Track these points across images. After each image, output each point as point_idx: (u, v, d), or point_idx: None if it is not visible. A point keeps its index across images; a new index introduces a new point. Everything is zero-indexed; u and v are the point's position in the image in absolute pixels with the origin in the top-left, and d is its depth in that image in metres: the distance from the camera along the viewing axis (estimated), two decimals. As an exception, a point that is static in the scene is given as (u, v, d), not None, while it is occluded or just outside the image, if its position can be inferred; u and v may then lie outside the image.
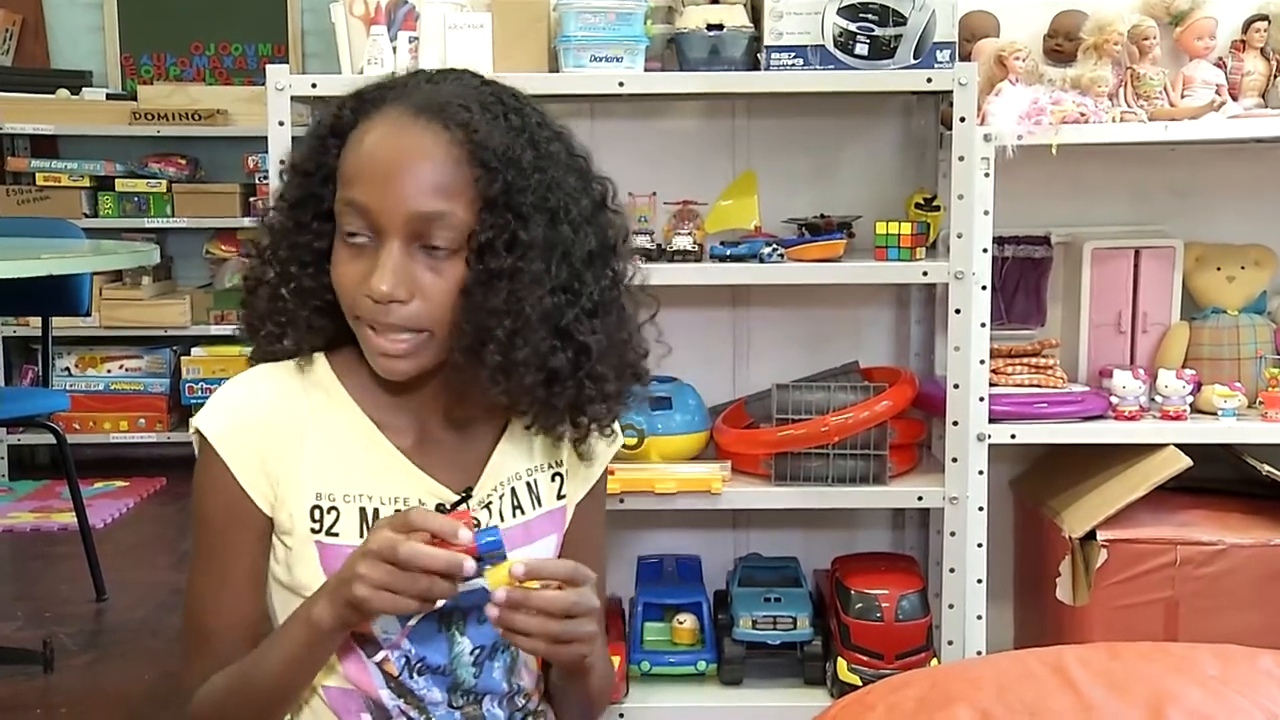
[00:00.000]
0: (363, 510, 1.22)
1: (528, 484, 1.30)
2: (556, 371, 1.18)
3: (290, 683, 1.19)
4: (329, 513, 1.21)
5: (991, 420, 2.24)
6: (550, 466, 1.33)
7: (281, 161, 1.26)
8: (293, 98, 2.10)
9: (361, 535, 1.21)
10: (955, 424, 2.17)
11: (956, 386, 2.16)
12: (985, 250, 2.20)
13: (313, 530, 1.21)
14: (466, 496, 1.25)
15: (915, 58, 2.13)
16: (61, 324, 4.01)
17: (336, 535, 1.21)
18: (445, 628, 1.24)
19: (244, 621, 1.23)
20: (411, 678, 1.23)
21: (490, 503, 1.27)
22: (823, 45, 2.14)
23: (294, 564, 1.21)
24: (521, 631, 1.10)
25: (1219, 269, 2.42)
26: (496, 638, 1.26)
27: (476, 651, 1.26)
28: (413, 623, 1.21)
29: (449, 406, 1.25)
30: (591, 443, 1.30)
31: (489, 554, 1.08)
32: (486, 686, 1.27)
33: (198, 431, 1.21)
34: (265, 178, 4.38)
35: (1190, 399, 2.30)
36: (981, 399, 2.23)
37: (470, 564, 1.07)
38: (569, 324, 1.18)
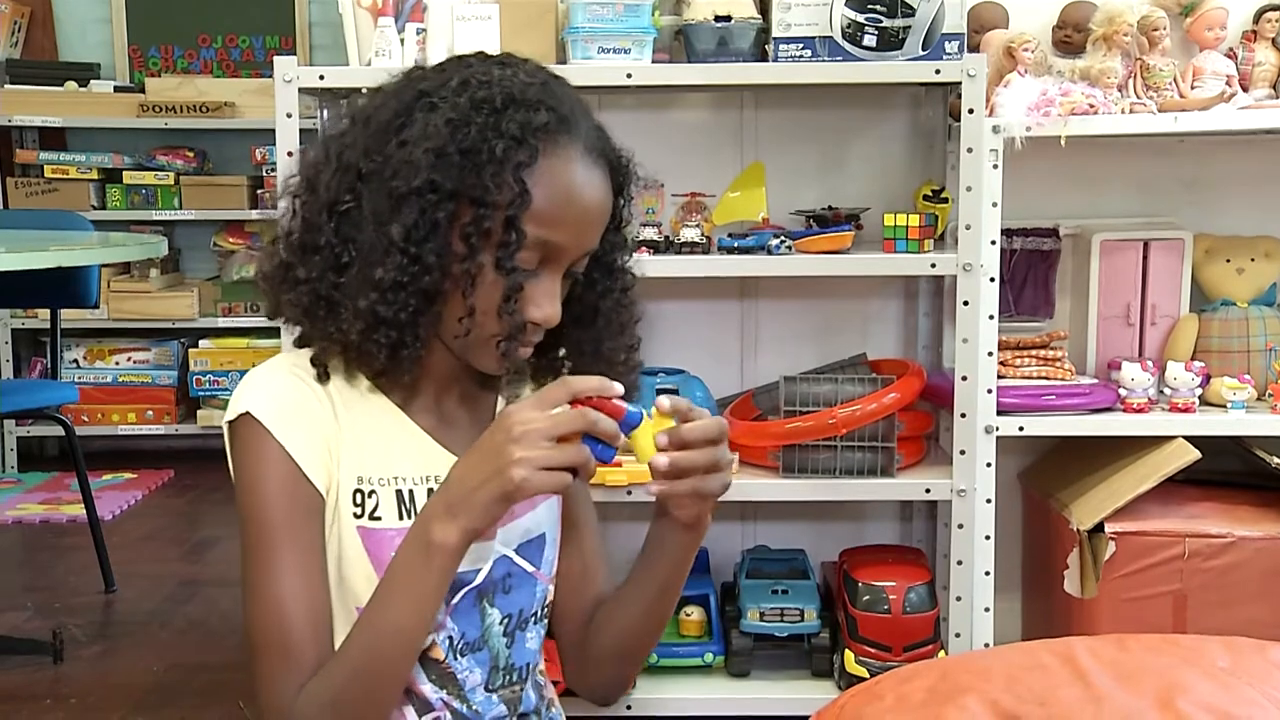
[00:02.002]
0: (399, 493, 1.22)
1: None
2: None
3: (422, 628, 1.14)
4: (369, 496, 1.20)
5: (999, 412, 2.24)
6: None
7: (420, 182, 1.13)
8: (300, 90, 2.11)
9: (401, 518, 1.21)
10: (963, 416, 2.17)
11: (965, 379, 2.16)
12: (993, 242, 2.19)
13: (355, 515, 1.20)
14: None
15: (924, 49, 2.13)
16: (70, 316, 4.01)
17: (379, 520, 1.20)
18: (478, 602, 1.25)
19: (327, 619, 1.18)
20: (456, 659, 1.24)
21: None
22: (831, 36, 2.13)
23: (342, 558, 1.19)
24: (679, 473, 1.13)
25: (1228, 261, 2.41)
26: (523, 607, 1.28)
27: (505, 621, 1.27)
28: (455, 600, 1.22)
29: (459, 381, 1.27)
30: None
31: (631, 424, 1.12)
32: (521, 658, 1.28)
33: (245, 416, 1.17)
34: (273, 170, 4.38)
35: (1199, 391, 2.29)
36: (989, 391, 2.23)
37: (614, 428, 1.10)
38: None
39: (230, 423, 1.19)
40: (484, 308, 1.16)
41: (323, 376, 1.21)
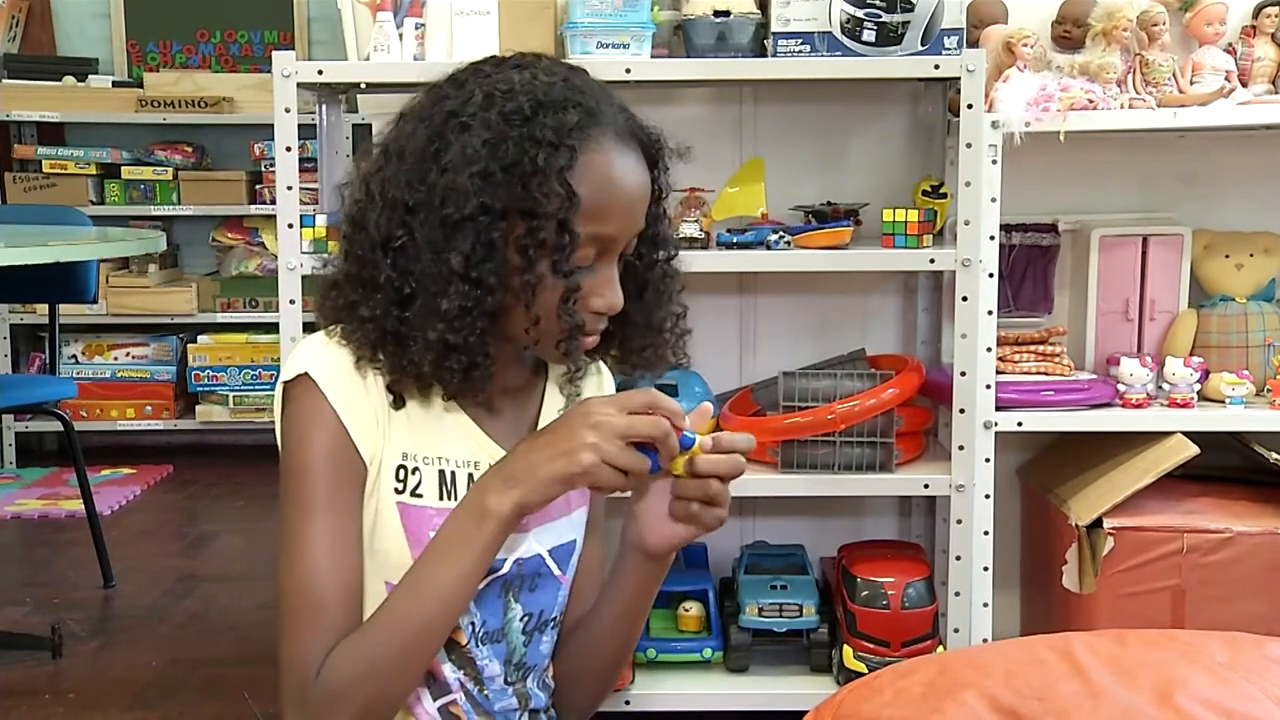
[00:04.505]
0: (442, 473, 1.23)
1: None
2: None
3: (465, 594, 1.15)
4: (413, 473, 1.21)
5: (998, 408, 2.24)
6: None
7: (478, 205, 1.14)
8: (299, 85, 2.10)
9: (442, 497, 1.22)
10: (962, 412, 2.17)
11: (963, 374, 2.16)
12: (992, 238, 2.19)
13: (397, 491, 1.21)
14: None
15: (923, 44, 2.12)
16: (68, 311, 4.01)
17: (421, 496, 1.22)
18: (503, 593, 1.26)
19: (358, 585, 1.18)
20: (477, 646, 1.25)
21: None
22: (830, 31, 2.13)
23: (377, 530, 1.20)
24: (702, 485, 1.18)
25: (1227, 256, 2.41)
26: (544, 608, 1.29)
27: (526, 619, 1.28)
28: (481, 586, 1.22)
29: (505, 374, 1.27)
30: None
31: (684, 448, 1.15)
32: (534, 659, 1.30)
33: (303, 377, 1.18)
34: (271, 165, 4.38)
35: (1198, 387, 2.29)
36: (988, 387, 2.23)
37: (674, 442, 1.13)
38: None
39: (286, 382, 1.20)
40: (547, 312, 1.17)
41: (398, 402, 1.21)
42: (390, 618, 1.15)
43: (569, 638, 1.35)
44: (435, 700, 1.24)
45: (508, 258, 1.15)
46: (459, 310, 1.14)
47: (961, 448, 2.17)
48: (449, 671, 1.24)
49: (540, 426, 1.30)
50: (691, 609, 2.34)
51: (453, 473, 1.23)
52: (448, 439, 1.23)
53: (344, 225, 1.22)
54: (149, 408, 4.56)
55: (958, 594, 2.20)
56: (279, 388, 1.21)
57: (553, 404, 1.33)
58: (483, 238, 1.13)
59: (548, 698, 1.33)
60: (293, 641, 1.15)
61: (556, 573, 1.30)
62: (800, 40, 2.14)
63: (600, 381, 1.39)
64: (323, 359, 1.19)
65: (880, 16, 2.11)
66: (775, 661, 2.31)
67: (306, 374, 1.18)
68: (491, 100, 1.16)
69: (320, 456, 1.17)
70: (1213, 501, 2.27)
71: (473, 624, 1.24)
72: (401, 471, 1.21)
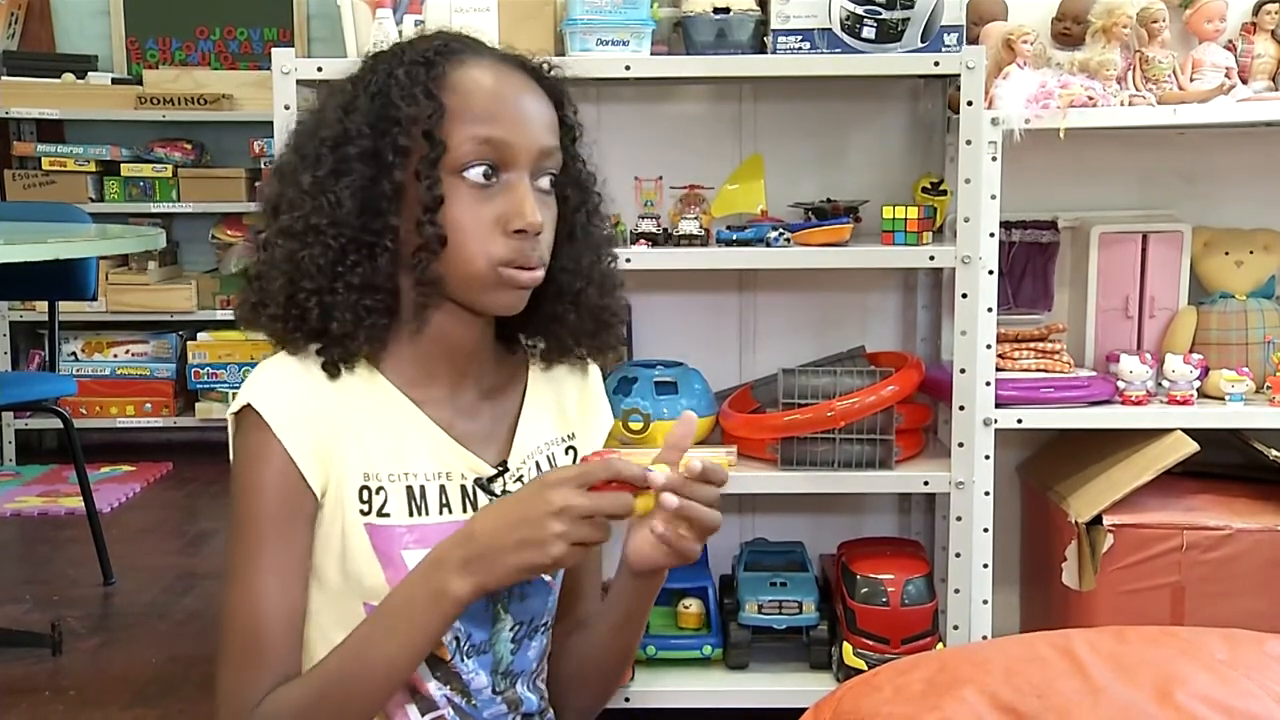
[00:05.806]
0: (409, 489, 1.20)
1: (548, 457, 1.30)
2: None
3: (407, 669, 1.13)
4: (377, 493, 1.19)
5: (998, 405, 2.24)
6: (564, 440, 1.33)
7: (323, 140, 1.17)
8: (298, 81, 2.10)
9: (411, 514, 1.19)
10: (962, 409, 2.17)
11: (963, 371, 2.16)
12: (992, 235, 2.19)
13: (362, 513, 1.18)
14: (503, 470, 1.24)
15: (923, 41, 2.12)
16: (68, 309, 4.01)
17: (388, 516, 1.19)
18: (491, 604, 1.24)
19: (300, 622, 1.17)
20: (462, 660, 1.22)
21: (521, 475, 1.26)
22: (830, 28, 2.13)
23: (347, 553, 1.18)
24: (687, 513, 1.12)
25: (1227, 253, 2.41)
26: (534, 615, 1.27)
27: (516, 628, 1.26)
28: None
29: (481, 374, 1.26)
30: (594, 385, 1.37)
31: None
32: (521, 666, 1.28)
33: (247, 407, 1.16)
34: (270, 162, 4.37)
35: (1197, 384, 2.29)
36: (988, 384, 2.23)
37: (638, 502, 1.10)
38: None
39: (234, 414, 1.18)
40: (463, 232, 1.15)
41: (331, 370, 1.19)
42: (332, 677, 1.13)
43: (571, 640, 1.34)
44: (423, 715, 1.22)
45: (380, 177, 1.15)
46: (306, 226, 1.14)
47: (961, 445, 2.17)
48: (434, 689, 1.22)
49: (522, 418, 1.28)
50: (691, 606, 2.34)
51: (422, 487, 1.20)
52: (413, 452, 1.20)
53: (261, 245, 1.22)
54: (149, 405, 4.56)
55: (957, 591, 2.20)
56: (229, 419, 1.20)
57: (535, 403, 1.30)
58: (346, 159, 1.15)
59: (539, 700, 1.31)
60: (231, 676, 1.15)
61: (545, 577, 1.27)
62: (800, 37, 2.14)
63: (586, 386, 1.36)
64: (269, 387, 1.17)
65: (880, 13, 2.11)
66: (775, 659, 2.31)
67: (251, 406, 1.16)
68: (364, 60, 1.21)
69: (266, 493, 1.16)
70: (1212, 498, 2.27)
71: (457, 639, 1.22)
72: (365, 492, 1.18)
